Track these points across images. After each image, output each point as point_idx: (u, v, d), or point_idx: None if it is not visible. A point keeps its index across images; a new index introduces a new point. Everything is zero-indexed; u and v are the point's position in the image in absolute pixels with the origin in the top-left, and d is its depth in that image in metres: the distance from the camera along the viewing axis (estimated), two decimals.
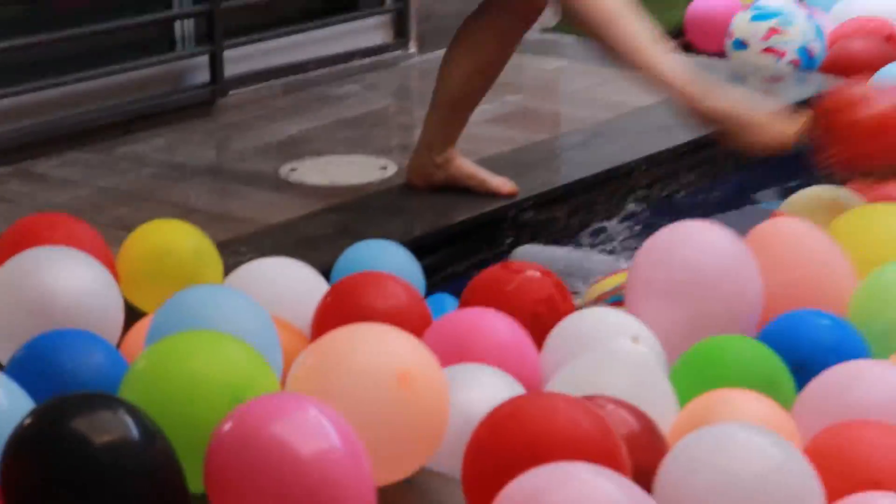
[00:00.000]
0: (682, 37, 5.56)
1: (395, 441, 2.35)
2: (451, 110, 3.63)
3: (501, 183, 3.70)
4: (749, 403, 2.41)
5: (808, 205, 3.37)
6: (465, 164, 3.71)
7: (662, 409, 2.45)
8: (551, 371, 2.63)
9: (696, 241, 2.77)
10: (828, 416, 2.35)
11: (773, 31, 4.96)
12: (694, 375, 2.56)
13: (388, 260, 3.10)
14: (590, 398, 2.29)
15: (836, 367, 2.48)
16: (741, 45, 5.02)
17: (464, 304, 2.89)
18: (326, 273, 3.09)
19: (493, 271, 2.92)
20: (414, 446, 2.38)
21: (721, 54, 5.18)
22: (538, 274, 2.89)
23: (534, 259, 3.52)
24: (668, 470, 2.10)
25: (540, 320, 2.77)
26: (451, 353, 2.62)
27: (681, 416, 2.45)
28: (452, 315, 2.76)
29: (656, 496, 2.09)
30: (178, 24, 4.44)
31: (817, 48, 4.94)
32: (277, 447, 2.11)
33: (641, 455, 2.21)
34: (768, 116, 3.41)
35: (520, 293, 2.83)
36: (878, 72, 4.59)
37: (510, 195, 3.69)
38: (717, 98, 3.38)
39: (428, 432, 2.39)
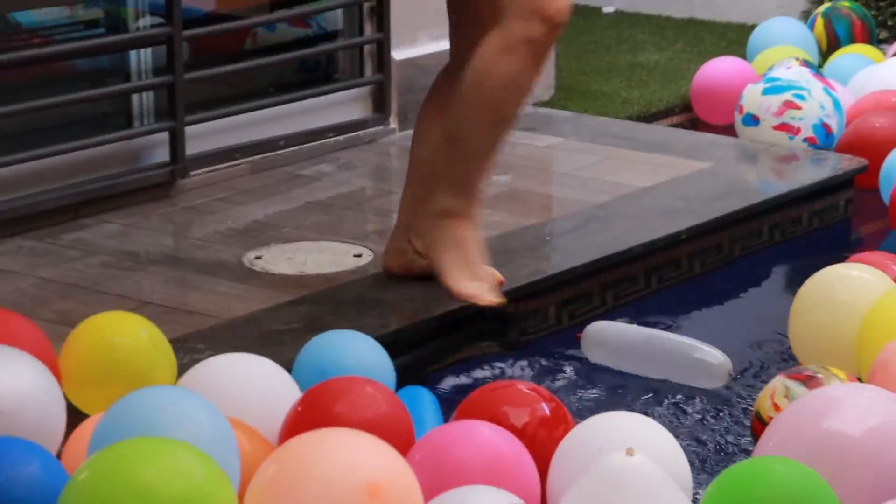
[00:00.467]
0: (689, 111, 5.61)
1: None
2: (428, 185, 3.65)
3: (486, 273, 3.70)
4: None
5: (833, 286, 3.44)
6: None
7: None
8: (558, 492, 2.66)
9: (845, 407, 2.72)
10: None
11: (787, 105, 5.00)
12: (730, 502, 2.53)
13: (355, 354, 3.11)
14: None
15: None
16: (752, 120, 5.06)
17: None
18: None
19: (479, 397, 2.94)
20: None
21: (730, 129, 5.22)
22: (532, 397, 2.92)
23: (608, 337, 3.64)
24: None
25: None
26: (441, 472, 2.64)
27: None
28: (442, 429, 2.78)
29: None
30: (135, 98, 4.46)
31: (835, 124, 4.98)
32: None
33: None
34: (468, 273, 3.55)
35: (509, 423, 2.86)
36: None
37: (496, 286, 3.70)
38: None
39: None
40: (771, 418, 3.10)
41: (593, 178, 4.56)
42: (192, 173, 4.46)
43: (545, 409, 2.91)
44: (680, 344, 3.60)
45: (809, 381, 3.14)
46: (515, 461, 2.72)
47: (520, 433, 2.82)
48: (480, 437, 2.73)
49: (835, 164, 4.73)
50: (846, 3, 6.09)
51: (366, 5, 4.91)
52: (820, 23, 6.07)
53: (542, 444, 2.83)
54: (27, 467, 2.54)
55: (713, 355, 3.55)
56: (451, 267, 3.57)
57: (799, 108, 4.98)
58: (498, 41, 3.48)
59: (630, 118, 5.47)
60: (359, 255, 3.95)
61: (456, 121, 3.53)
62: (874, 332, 3.30)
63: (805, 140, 4.97)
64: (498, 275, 3.68)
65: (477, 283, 3.57)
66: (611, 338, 3.67)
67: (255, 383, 2.95)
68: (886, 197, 4.52)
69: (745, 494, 2.51)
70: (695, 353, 3.56)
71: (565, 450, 2.77)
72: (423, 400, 3.18)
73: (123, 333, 3.07)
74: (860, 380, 3.22)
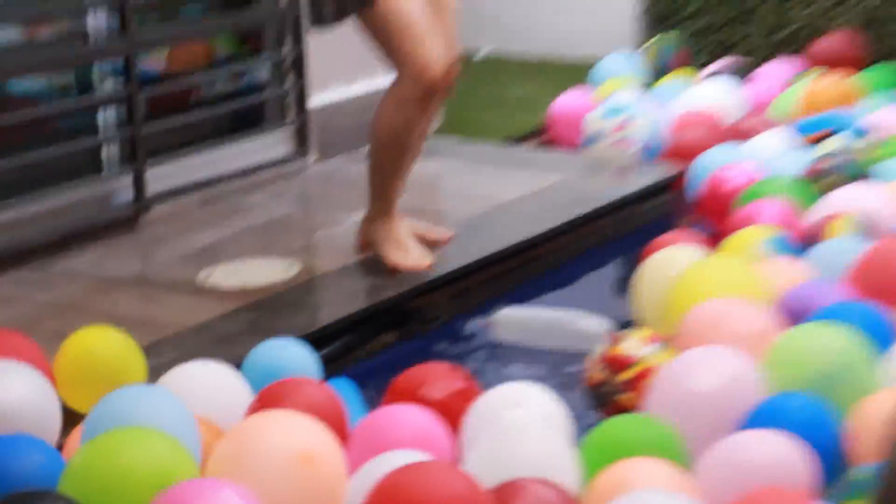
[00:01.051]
0: (545, 134, 5.68)
1: None
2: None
3: (440, 232, 3.98)
4: (656, 471, 2.48)
5: (660, 264, 3.49)
6: (409, 224, 3.90)
7: (561, 462, 2.53)
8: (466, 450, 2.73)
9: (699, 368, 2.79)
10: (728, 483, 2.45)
11: (622, 125, 5.08)
12: (601, 448, 2.63)
13: (288, 355, 3.14)
14: (512, 482, 2.37)
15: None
16: (595, 139, 5.14)
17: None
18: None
19: (405, 377, 2.98)
20: None
21: (580, 149, 5.30)
22: (448, 375, 2.96)
23: (514, 322, 3.68)
24: None
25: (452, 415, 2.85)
26: (378, 451, 2.66)
27: (594, 487, 2.52)
28: (375, 414, 2.82)
29: None
30: (104, 149, 4.45)
31: (657, 140, 5.08)
32: None
33: None
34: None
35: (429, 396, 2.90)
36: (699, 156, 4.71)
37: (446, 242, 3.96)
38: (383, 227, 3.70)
39: None
40: (589, 378, 3.16)
41: (473, 194, 4.59)
42: (154, 208, 4.45)
43: (459, 384, 2.94)
44: (567, 316, 3.66)
45: (609, 343, 3.15)
46: (436, 435, 2.75)
47: (440, 406, 2.85)
48: (406, 419, 2.76)
49: (660, 172, 4.82)
50: (671, 35, 6.15)
51: (287, 59, 4.90)
52: (650, 53, 6.13)
53: (458, 413, 2.85)
54: (32, 457, 2.57)
55: (596, 323, 3.63)
56: (387, 251, 3.73)
57: (630, 127, 5.06)
58: (393, 96, 3.53)
59: (501, 141, 5.52)
60: (290, 267, 3.97)
61: (370, 151, 3.69)
62: (677, 300, 3.35)
63: (637, 152, 5.05)
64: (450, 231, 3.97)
65: (405, 254, 3.72)
66: (515, 320, 3.72)
67: (213, 385, 2.95)
68: (691, 195, 4.59)
69: (615, 445, 2.62)
70: (579, 323, 3.62)
71: (471, 416, 2.81)
72: (347, 388, 3.21)
73: (103, 343, 3.09)
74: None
